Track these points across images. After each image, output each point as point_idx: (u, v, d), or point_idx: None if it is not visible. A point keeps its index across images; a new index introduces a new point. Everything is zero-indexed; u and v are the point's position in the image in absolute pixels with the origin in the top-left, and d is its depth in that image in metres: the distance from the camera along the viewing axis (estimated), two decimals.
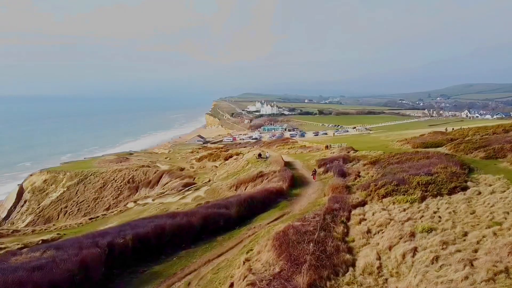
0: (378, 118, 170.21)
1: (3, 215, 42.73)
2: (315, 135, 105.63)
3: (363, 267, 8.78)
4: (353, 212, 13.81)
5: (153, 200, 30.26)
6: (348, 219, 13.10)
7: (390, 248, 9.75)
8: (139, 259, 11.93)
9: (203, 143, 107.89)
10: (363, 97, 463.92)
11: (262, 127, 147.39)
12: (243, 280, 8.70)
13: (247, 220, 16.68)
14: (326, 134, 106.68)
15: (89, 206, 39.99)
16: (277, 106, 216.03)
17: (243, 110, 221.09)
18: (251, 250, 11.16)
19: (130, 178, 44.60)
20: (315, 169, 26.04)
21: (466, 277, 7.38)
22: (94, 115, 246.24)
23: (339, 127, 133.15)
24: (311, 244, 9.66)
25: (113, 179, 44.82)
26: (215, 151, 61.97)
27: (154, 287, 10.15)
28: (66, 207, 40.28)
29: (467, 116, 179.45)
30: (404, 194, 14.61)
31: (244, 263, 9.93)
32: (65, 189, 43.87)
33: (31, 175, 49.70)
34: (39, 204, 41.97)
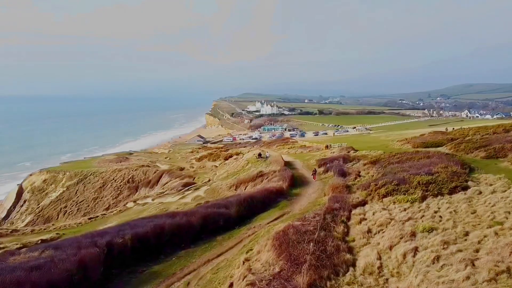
0: (378, 118, 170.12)
1: (3, 215, 42.65)
2: (315, 135, 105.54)
3: (364, 267, 8.72)
4: (353, 211, 13.76)
5: (152, 199, 30.20)
6: (349, 218, 13.04)
7: (390, 248, 9.70)
8: (138, 258, 11.87)
9: (203, 143, 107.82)
10: (363, 97, 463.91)
11: (262, 127, 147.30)
12: (243, 280, 8.64)
13: (247, 219, 16.62)
14: (326, 134, 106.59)
15: (88, 206, 39.93)
16: (277, 106, 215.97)
17: (243, 110, 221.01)
18: (251, 250, 11.09)
19: (130, 178, 44.54)
20: (315, 169, 25.97)
21: (468, 277, 7.31)
22: (94, 115, 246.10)
23: (339, 127, 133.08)
24: (311, 243, 9.59)
25: (113, 179, 44.76)
26: (215, 151, 61.93)
27: (153, 287, 10.09)
28: (65, 207, 40.21)
29: (467, 116, 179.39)
30: (404, 194, 14.57)
31: (243, 263, 9.87)
32: (64, 189, 43.81)
33: (30, 175, 49.64)
34: (38, 204, 41.90)
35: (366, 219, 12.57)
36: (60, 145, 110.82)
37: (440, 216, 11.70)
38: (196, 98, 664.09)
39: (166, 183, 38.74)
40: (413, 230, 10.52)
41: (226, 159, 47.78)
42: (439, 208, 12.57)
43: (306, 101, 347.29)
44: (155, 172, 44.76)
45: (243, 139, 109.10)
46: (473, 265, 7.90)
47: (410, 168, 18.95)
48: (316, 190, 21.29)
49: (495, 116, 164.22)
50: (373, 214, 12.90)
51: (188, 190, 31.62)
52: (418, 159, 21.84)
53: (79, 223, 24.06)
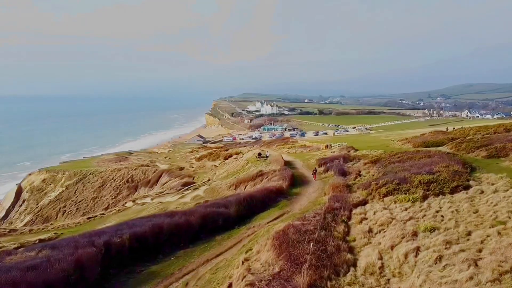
0: (378, 118, 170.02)
1: (2, 215, 42.48)
2: (315, 135, 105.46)
3: (365, 267, 8.59)
4: (354, 211, 13.62)
5: (152, 199, 30.07)
6: (349, 218, 12.91)
7: (392, 247, 9.56)
8: (136, 258, 11.74)
9: (203, 143, 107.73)
10: (363, 97, 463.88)
11: (262, 127, 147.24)
12: (242, 280, 8.52)
13: (246, 219, 16.49)
14: (326, 134, 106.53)
15: (87, 205, 39.79)
16: (277, 106, 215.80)
17: (243, 110, 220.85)
18: (250, 249, 10.96)
19: (129, 177, 44.41)
20: (315, 168, 25.83)
21: (471, 278, 7.18)
22: (94, 115, 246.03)
23: (339, 127, 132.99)
24: (312, 243, 9.46)
25: (112, 179, 44.63)
26: (215, 151, 61.83)
27: (151, 287, 9.95)
28: (64, 206, 40.07)
29: (467, 116, 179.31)
30: (405, 193, 14.44)
31: (243, 263, 9.74)
32: (63, 188, 43.67)
33: (29, 174, 49.49)
34: (37, 204, 41.76)
35: (367, 219, 12.43)
36: (60, 145, 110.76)
37: (442, 216, 11.57)
38: (196, 98, 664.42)
39: (166, 182, 38.61)
40: (414, 230, 10.38)
41: (225, 158, 47.67)
42: (440, 208, 12.44)
43: (306, 101, 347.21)
44: (154, 172, 44.63)
45: (243, 139, 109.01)
46: (476, 265, 7.77)
47: (411, 168, 18.81)
48: (316, 190, 21.15)
49: (495, 116, 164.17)
50: (374, 214, 12.76)
51: (187, 189, 31.50)
52: (419, 159, 21.71)
53: (78, 222, 23.92)
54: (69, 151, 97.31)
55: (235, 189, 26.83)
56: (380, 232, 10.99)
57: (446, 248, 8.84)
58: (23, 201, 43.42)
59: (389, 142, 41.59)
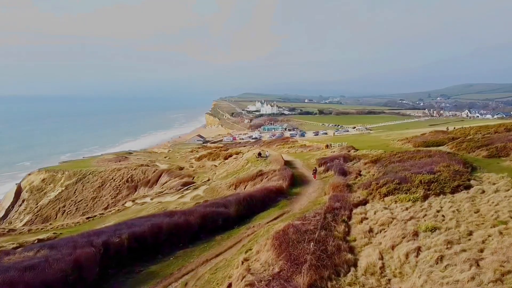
0: (378, 118, 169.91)
1: (1, 215, 42.38)
2: (315, 135, 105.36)
3: (365, 267, 8.52)
4: (354, 211, 13.54)
5: (151, 199, 30.00)
6: (349, 218, 12.83)
7: (393, 247, 9.49)
8: (135, 258, 11.67)
9: (203, 143, 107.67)
10: (363, 97, 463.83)
11: (262, 127, 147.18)
12: (242, 280, 8.44)
13: (246, 219, 16.42)
14: (326, 133, 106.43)
15: (87, 205, 39.70)
16: (277, 106, 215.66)
17: (243, 110, 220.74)
18: (250, 249, 10.89)
19: (129, 177, 44.33)
20: (315, 168, 25.76)
21: (473, 278, 7.11)
22: (94, 115, 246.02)
23: (339, 126, 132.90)
24: (312, 243, 9.38)
25: (112, 178, 44.55)
26: (215, 151, 61.78)
27: (150, 287, 9.88)
28: (64, 206, 39.98)
29: (467, 116, 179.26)
30: (406, 193, 14.37)
31: (242, 263, 9.67)
32: (63, 188, 43.58)
33: (29, 174, 49.40)
34: (37, 204, 41.68)
35: (367, 219, 12.36)
36: (60, 145, 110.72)
37: (443, 216, 11.50)
38: (196, 98, 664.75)
39: (165, 182, 38.54)
40: (415, 230, 10.31)
41: (225, 158, 47.61)
42: (441, 207, 12.37)
43: (306, 101, 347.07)
44: (154, 172, 44.54)
45: (243, 139, 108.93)
46: (478, 265, 7.70)
47: (411, 167, 18.74)
48: (316, 189, 21.08)
49: (495, 116, 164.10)
50: (375, 213, 12.69)
51: (187, 189, 31.43)
52: (420, 158, 21.64)
53: (77, 222, 23.84)
54: (69, 151, 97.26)
55: (235, 189, 26.76)
56: (380, 232, 10.91)
57: (447, 248, 8.77)
58: (23, 201, 43.34)
59: (389, 141, 41.51)
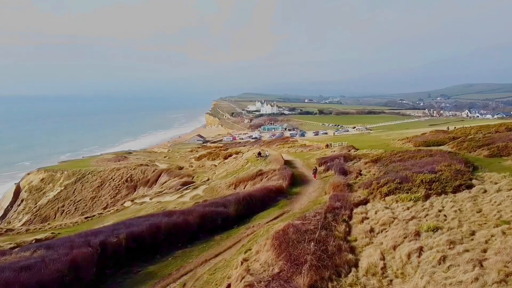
0: (379, 118, 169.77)
1: (0, 215, 42.28)
2: (315, 135, 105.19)
3: (367, 268, 8.38)
4: (355, 210, 13.40)
5: (150, 199, 29.86)
6: (350, 217, 12.68)
7: (394, 247, 9.35)
8: (133, 258, 11.53)
9: (203, 143, 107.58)
10: (363, 97, 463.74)
11: (262, 127, 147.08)
12: (241, 281, 8.31)
13: (245, 218, 16.29)
14: (326, 133, 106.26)
15: (86, 205, 39.56)
16: (277, 106, 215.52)
17: (243, 110, 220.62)
18: (250, 249, 10.74)
19: (128, 177, 44.19)
20: (315, 168, 25.62)
21: (476, 279, 6.98)
22: (94, 115, 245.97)
23: (339, 126, 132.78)
24: (312, 243, 9.23)
25: (111, 178, 44.41)
26: (215, 150, 61.66)
27: None
28: (63, 206, 39.85)
29: (467, 115, 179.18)
30: (407, 192, 14.25)
31: (242, 263, 9.54)
32: (62, 188, 43.44)
33: (28, 174, 49.28)
34: (36, 203, 41.54)
35: (368, 218, 12.21)
36: (60, 144, 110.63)
37: (445, 215, 11.37)
38: (196, 98, 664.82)
39: (165, 182, 38.40)
40: (417, 230, 10.17)
41: (225, 158, 47.48)
42: (443, 207, 12.25)
43: (306, 101, 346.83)
44: (153, 171, 44.41)
45: (242, 139, 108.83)
46: (481, 265, 7.58)
47: (412, 167, 18.61)
48: (316, 189, 20.93)
49: (495, 116, 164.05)
50: (376, 213, 12.55)
51: (186, 189, 31.30)
52: (421, 158, 21.51)
53: (76, 222, 23.69)
54: (69, 150, 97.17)
55: (234, 189, 26.62)
56: (382, 231, 10.77)
57: (450, 248, 8.63)
58: (22, 201, 43.21)
59: (389, 141, 41.37)
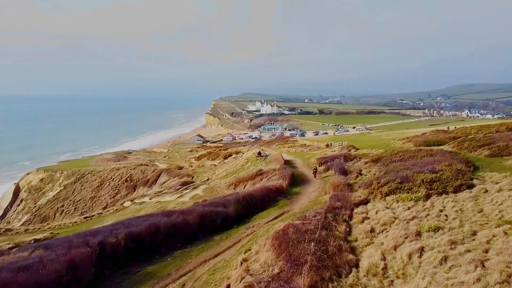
0: (379, 118, 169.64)
1: None
2: (315, 135, 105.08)
3: (367, 268, 8.31)
4: (355, 210, 13.33)
5: (150, 199, 29.78)
6: (351, 217, 12.61)
7: (395, 248, 9.27)
8: (132, 258, 11.46)
9: (203, 143, 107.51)
10: (363, 97, 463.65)
11: (262, 127, 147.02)
12: (240, 281, 8.23)
13: (245, 218, 16.22)
14: (326, 133, 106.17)
15: (86, 205, 39.48)
16: (277, 106, 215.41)
17: (243, 110, 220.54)
18: (249, 250, 10.66)
19: (128, 176, 44.11)
20: (316, 167, 25.54)
21: (478, 279, 6.90)
22: (94, 115, 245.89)
23: (339, 126, 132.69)
24: (312, 243, 9.15)
25: (111, 178, 44.32)
26: (214, 150, 61.57)
27: None
28: (62, 206, 39.76)
29: (467, 115, 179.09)
30: (408, 192, 14.18)
31: (241, 263, 9.46)
32: (62, 188, 43.36)
33: (27, 174, 49.19)
34: (35, 203, 41.46)
35: (368, 218, 12.14)
36: (60, 144, 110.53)
37: (446, 215, 11.30)
38: (196, 98, 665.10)
39: (165, 182, 38.31)
40: (418, 230, 10.10)
41: (225, 158, 47.39)
42: (444, 207, 12.18)
43: (306, 101, 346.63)
44: (153, 171, 44.33)
45: (242, 139, 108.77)
46: (483, 266, 7.51)
47: (413, 166, 18.53)
48: (316, 189, 20.85)
49: (495, 116, 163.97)
50: (376, 213, 12.47)
51: (186, 189, 31.21)
52: (421, 157, 21.43)
53: (75, 222, 23.61)
54: (69, 150, 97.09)
55: (234, 188, 26.53)
56: (382, 232, 10.69)
57: (451, 249, 8.56)
58: (21, 201, 43.12)
59: (390, 141, 41.29)
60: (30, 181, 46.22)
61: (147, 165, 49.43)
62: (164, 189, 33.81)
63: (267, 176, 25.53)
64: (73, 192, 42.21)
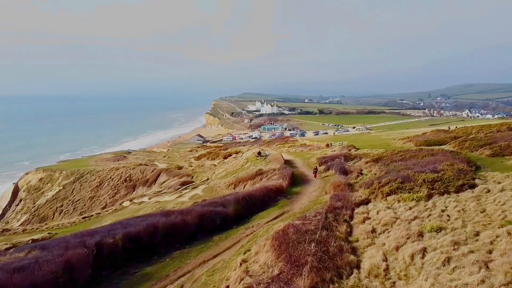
0: (379, 118, 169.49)
1: None
2: (315, 135, 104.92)
3: (369, 269, 8.15)
4: (356, 210, 13.18)
5: (149, 198, 29.63)
6: (351, 217, 12.45)
7: (397, 248, 9.12)
8: (130, 259, 11.31)
9: (203, 142, 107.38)
10: (363, 97, 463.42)
11: (262, 127, 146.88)
12: (239, 283, 8.09)
13: (245, 218, 16.07)
14: (326, 133, 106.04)
15: (85, 205, 39.32)
16: (277, 106, 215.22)
17: (243, 110, 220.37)
18: (249, 250, 10.51)
19: (127, 176, 43.95)
20: (316, 167, 25.40)
21: (483, 281, 6.74)
22: (94, 115, 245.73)
23: (339, 126, 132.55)
24: (313, 244, 9.00)
25: (110, 178, 44.17)
26: (214, 150, 61.41)
27: None
28: (61, 206, 39.61)
29: (468, 115, 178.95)
30: (409, 192, 14.03)
31: (241, 264, 9.31)
32: (61, 187, 43.20)
33: (26, 173, 49.04)
34: (34, 203, 41.31)
35: (370, 218, 11.99)
36: (59, 144, 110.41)
37: (448, 215, 11.14)
38: (196, 98, 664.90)
39: (164, 182, 38.16)
40: (420, 230, 9.95)
41: (225, 157, 47.24)
42: (446, 207, 12.02)
43: (306, 100, 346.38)
44: (153, 171, 44.17)
45: (242, 138, 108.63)
46: (487, 267, 7.34)
47: (414, 166, 18.38)
48: (317, 189, 20.70)
49: (496, 116, 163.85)
50: (377, 213, 12.32)
51: (186, 189, 31.06)
52: (422, 157, 21.28)
53: (73, 222, 23.46)
54: (69, 150, 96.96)
55: (234, 188, 26.38)
56: (384, 232, 10.54)
57: (454, 249, 8.40)
58: (20, 201, 42.97)
59: (390, 141, 41.15)
60: (29, 181, 46.07)
61: (147, 165, 49.28)
62: (163, 189, 33.66)
63: (267, 176, 25.38)
64: (72, 192, 42.05)
